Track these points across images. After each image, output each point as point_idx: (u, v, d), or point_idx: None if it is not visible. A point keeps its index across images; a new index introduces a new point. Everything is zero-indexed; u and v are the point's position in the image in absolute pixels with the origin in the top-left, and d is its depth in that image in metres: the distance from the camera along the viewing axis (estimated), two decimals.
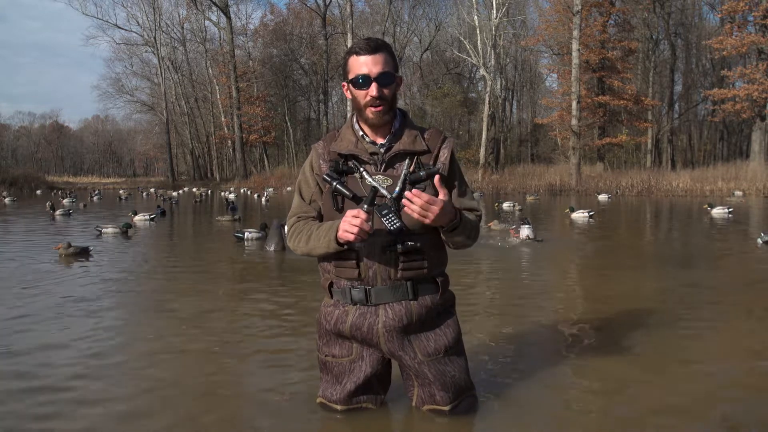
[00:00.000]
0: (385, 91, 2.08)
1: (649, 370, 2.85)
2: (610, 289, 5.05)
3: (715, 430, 2.26)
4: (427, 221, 1.97)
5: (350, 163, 2.13)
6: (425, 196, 1.93)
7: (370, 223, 1.96)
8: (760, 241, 7.41)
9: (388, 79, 2.08)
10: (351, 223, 1.95)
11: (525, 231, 7.97)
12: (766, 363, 3.02)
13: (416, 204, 1.93)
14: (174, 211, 16.12)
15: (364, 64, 2.06)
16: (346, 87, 2.15)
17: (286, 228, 2.26)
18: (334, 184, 2.07)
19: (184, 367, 2.99)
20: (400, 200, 2.04)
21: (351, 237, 1.95)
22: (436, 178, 2.01)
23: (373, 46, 2.08)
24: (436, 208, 1.94)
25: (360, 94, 2.09)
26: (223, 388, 2.70)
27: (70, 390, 2.66)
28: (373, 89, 2.06)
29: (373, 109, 2.08)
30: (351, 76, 2.09)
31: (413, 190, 1.95)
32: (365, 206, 1.99)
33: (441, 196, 1.98)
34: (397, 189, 2.07)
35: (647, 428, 2.26)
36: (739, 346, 3.30)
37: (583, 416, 2.37)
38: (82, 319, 3.95)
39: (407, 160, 2.13)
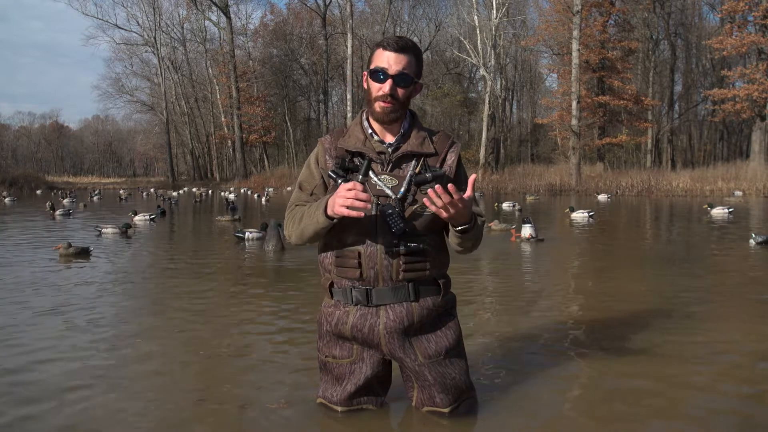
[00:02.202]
0: (399, 90, 2.07)
1: (650, 371, 2.85)
2: (610, 289, 5.05)
3: (716, 429, 2.25)
4: (444, 215, 1.93)
5: (356, 161, 2.12)
6: (447, 197, 1.88)
7: (367, 193, 1.92)
8: (752, 242, 7.44)
9: (405, 80, 2.07)
10: (346, 196, 1.91)
11: (527, 230, 7.99)
12: (765, 362, 3.02)
13: (442, 202, 1.88)
14: (174, 211, 16.11)
15: (386, 59, 2.06)
16: (365, 77, 2.14)
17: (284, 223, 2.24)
18: (339, 181, 2.05)
19: (182, 369, 2.98)
20: (404, 201, 2.04)
21: (345, 211, 1.91)
22: (471, 178, 1.99)
23: (401, 45, 2.07)
24: (460, 205, 1.91)
25: (374, 86, 2.09)
26: (222, 389, 2.68)
27: (64, 392, 2.63)
28: (386, 86, 2.05)
29: (382, 103, 2.08)
30: (371, 67, 2.09)
31: (437, 186, 1.88)
32: (360, 177, 1.96)
33: (467, 195, 1.95)
34: (402, 190, 2.06)
35: (648, 429, 2.25)
36: (739, 347, 3.29)
37: (584, 418, 2.37)
38: (80, 319, 3.94)
39: (414, 162, 2.12)
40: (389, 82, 2.05)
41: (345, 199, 1.91)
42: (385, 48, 2.07)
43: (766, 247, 7.25)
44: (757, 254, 6.88)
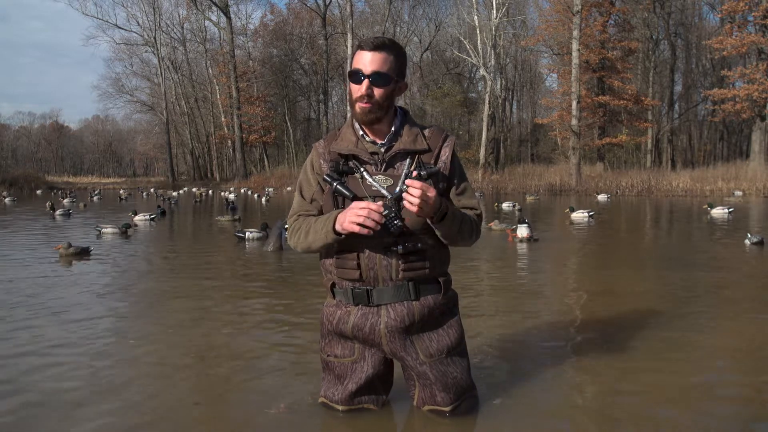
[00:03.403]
0: (375, 90, 2.05)
1: (649, 370, 2.85)
2: (610, 288, 5.05)
3: (716, 427, 2.26)
4: (424, 212, 1.94)
5: (351, 163, 2.12)
6: (417, 183, 1.91)
7: (380, 213, 1.93)
8: (747, 242, 7.53)
9: (380, 79, 2.04)
10: (358, 213, 1.92)
11: (523, 230, 8.08)
12: (764, 361, 3.02)
13: (415, 194, 1.91)
14: (174, 211, 16.11)
15: (362, 60, 2.05)
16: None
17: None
18: (335, 184, 2.05)
19: (178, 371, 2.94)
20: (401, 201, 2.03)
21: (356, 228, 1.93)
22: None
23: (376, 44, 2.05)
24: (431, 195, 1.93)
25: (353, 88, 2.08)
26: (219, 392, 2.66)
27: (60, 395, 2.59)
28: (363, 86, 2.04)
29: (360, 104, 2.07)
30: (350, 70, 2.09)
31: (407, 181, 1.93)
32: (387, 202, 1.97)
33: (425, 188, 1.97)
34: (398, 189, 2.05)
35: (648, 428, 2.25)
36: (739, 346, 3.30)
37: (584, 417, 2.37)
38: (80, 320, 3.93)
39: (408, 160, 2.12)
40: (365, 82, 2.04)
41: (357, 216, 1.92)
42: (362, 49, 2.06)
43: (760, 247, 7.31)
44: (754, 254, 6.88)
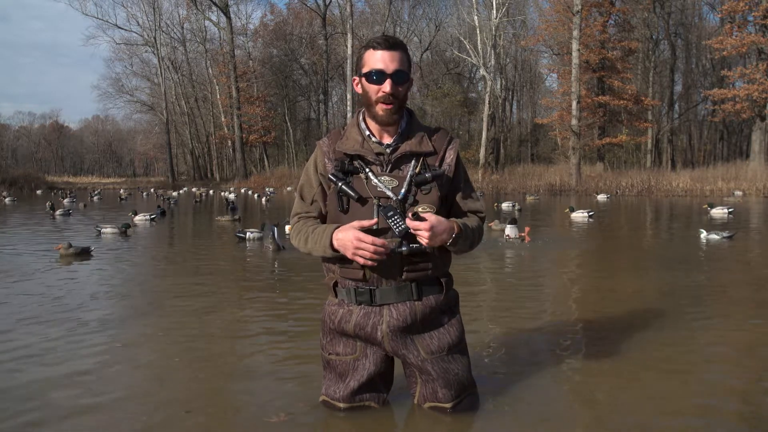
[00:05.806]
0: (399, 89, 2.06)
1: (650, 370, 2.86)
2: (610, 288, 5.05)
3: (716, 427, 2.26)
4: (437, 241, 2.02)
5: (356, 163, 2.11)
6: (424, 224, 1.96)
7: (384, 242, 1.99)
8: (703, 237, 7.93)
9: (402, 77, 2.06)
10: (365, 249, 1.97)
11: (509, 230, 8.15)
12: (764, 360, 3.03)
13: (423, 233, 1.97)
14: (174, 211, 16.10)
15: (380, 60, 2.04)
16: (357, 81, 2.13)
17: (287, 227, 2.27)
18: (340, 184, 2.06)
19: (171, 376, 2.89)
20: (405, 202, 2.05)
21: (360, 260, 2.00)
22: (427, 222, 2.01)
23: (391, 43, 2.06)
24: (440, 227, 2.00)
25: (372, 89, 2.06)
26: (213, 399, 2.62)
27: (51, 399, 2.55)
28: (387, 86, 2.03)
29: (384, 105, 2.06)
30: (365, 70, 2.07)
31: (410, 223, 1.98)
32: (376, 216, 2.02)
33: (431, 220, 2.00)
34: (403, 191, 2.07)
35: (648, 428, 2.26)
36: (740, 345, 3.30)
37: (584, 416, 2.38)
38: (77, 321, 3.92)
39: (413, 161, 2.12)
40: (388, 81, 2.03)
41: (363, 252, 1.97)
42: (375, 48, 2.05)
43: (730, 241, 7.65)
44: (725, 247, 6.89)
